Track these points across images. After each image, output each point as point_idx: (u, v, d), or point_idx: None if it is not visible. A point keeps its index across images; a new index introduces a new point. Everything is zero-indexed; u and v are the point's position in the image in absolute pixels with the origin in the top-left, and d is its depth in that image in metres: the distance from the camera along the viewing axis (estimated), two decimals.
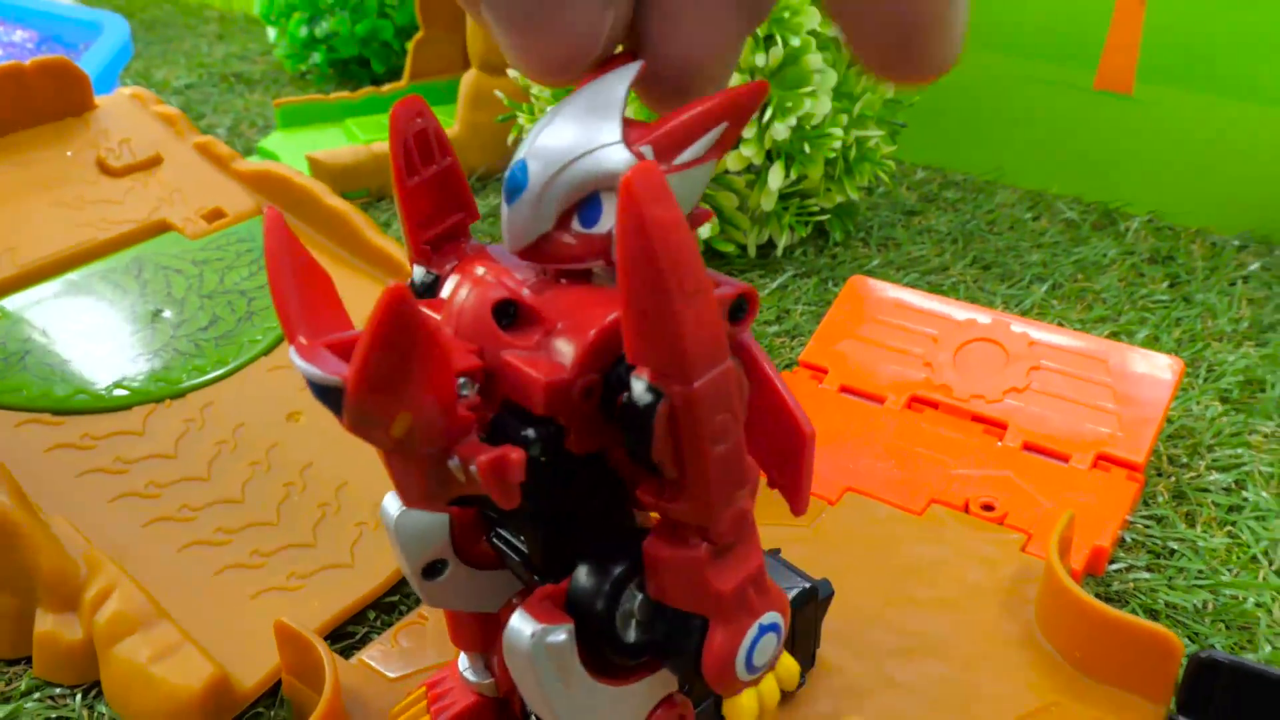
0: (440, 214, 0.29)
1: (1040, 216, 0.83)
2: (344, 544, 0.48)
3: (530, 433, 0.24)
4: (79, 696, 0.42)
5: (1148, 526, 0.50)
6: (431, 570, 0.31)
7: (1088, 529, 0.47)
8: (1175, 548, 0.48)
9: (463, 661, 0.35)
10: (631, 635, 0.26)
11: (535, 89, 0.72)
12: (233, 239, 0.65)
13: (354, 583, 0.46)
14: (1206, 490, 0.52)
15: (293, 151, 0.88)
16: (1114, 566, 0.47)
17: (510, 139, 0.79)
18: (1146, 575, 0.47)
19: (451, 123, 0.93)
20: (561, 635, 0.25)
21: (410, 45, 0.98)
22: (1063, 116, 0.86)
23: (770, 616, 0.26)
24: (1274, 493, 0.52)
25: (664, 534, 0.25)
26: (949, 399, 0.56)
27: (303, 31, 1.06)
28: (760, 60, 0.66)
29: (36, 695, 0.43)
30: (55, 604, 0.43)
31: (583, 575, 0.26)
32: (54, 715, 0.42)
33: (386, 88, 0.98)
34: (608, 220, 0.26)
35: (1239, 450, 0.55)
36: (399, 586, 0.47)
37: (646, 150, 0.27)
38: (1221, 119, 0.80)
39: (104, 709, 0.42)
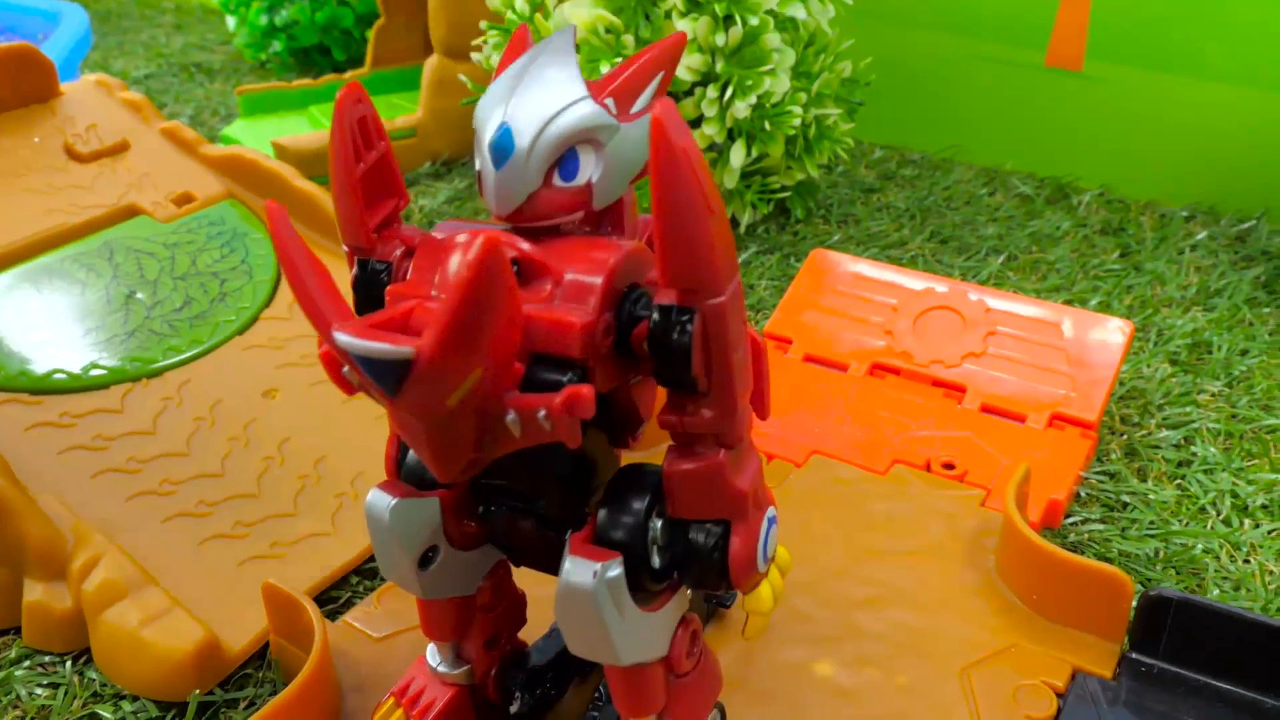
0: (380, 200, 0.31)
1: (995, 192, 0.86)
2: (325, 513, 0.49)
3: (568, 376, 0.26)
4: (69, 663, 0.43)
5: (1101, 482, 0.52)
6: (425, 560, 0.32)
7: (1044, 484, 0.49)
8: (1128, 501, 0.51)
9: (433, 658, 0.36)
10: (657, 560, 0.29)
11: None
12: (203, 222, 0.66)
13: (336, 550, 0.48)
14: (1157, 447, 0.54)
15: (256, 139, 0.89)
16: (1070, 520, 0.50)
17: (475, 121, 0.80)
18: (1100, 527, 0.49)
19: (415, 109, 0.93)
20: (617, 568, 0.28)
21: (371, 32, 0.98)
22: (1015, 95, 0.89)
23: (771, 510, 0.29)
24: (1221, 448, 0.54)
25: (682, 453, 0.28)
26: (909, 365, 0.58)
27: (263, 20, 1.06)
28: (720, 40, 0.67)
29: (26, 664, 0.43)
30: (43, 574, 0.44)
31: (609, 515, 0.29)
32: (45, 682, 0.42)
33: (349, 74, 0.98)
34: (585, 173, 0.28)
35: (1188, 409, 0.57)
36: None
37: (610, 102, 0.29)
38: (1169, 95, 0.82)
39: (94, 675, 0.43)
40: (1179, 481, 0.52)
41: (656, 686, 0.31)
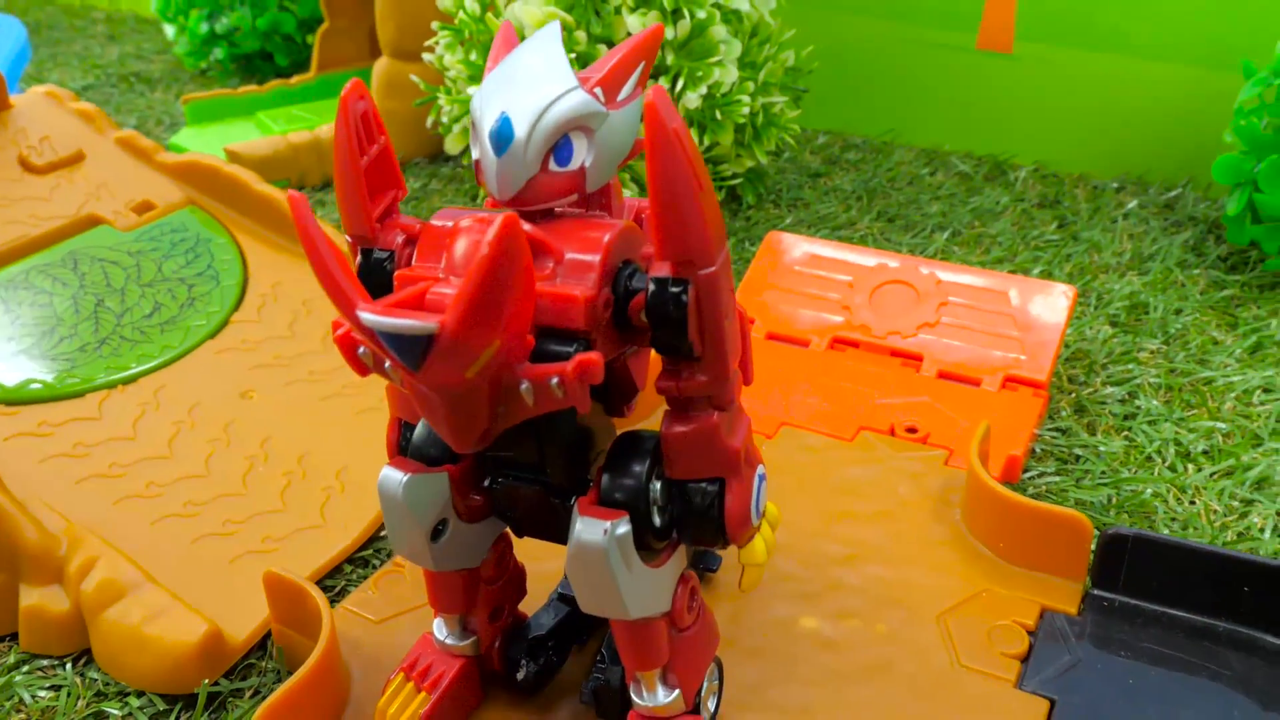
0: (380, 191, 0.32)
1: (936, 171, 0.89)
2: (313, 507, 0.50)
3: (574, 347, 0.27)
4: (69, 665, 0.44)
5: (1054, 437, 0.55)
6: (435, 533, 0.34)
7: (1001, 442, 0.52)
8: (1080, 454, 0.53)
9: (440, 632, 0.38)
10: (658, 519, 0.31)
11: (452, 71, 0.74)
12: (166, 229, 0.66)
13: (328, 541, 0.49)
14: (1103, 402, 0.57)
15: (205, 146, 0.89)
16: (1027, 474, 0.52)
17: (430, 121, 0.81)
18: (1056, 479, 0.52)
19: None
20: (625, 526, 0.30)
21: (316, 37, 0.99)
22: (950, 78, 0.92)
23: (760, 468, 0.32)
24: (1162, 400, 0.57)
25: (678, 417, 0.30)
26: (868, 337, 0.60)
27: (203, 28, 1.06)
28: (669, 33, 0.69)
29: (25, 668, 0.44)
30: (39, 578, 0.44)
31: (612, 479, 0.31)
32: (47, 684, 0.43)
33: (295, 80, 0.98)
34: (578, 158, 0.30)
35: (1129, 366, 0.60)
36: (371, 542, 0.49)
37: (599, 91, 0.30)
38: (1095, 72, 0.86)
39: (95, 674, 0.43)
40: (1126, 433, 0.55)
41: (661, 641, 0.33)
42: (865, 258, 0.64)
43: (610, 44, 0.70)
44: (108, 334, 0.58)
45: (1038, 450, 0.54)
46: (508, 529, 0.37)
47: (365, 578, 0.48)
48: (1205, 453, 0.53)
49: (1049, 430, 0.55)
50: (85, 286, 0.61)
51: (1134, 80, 0.85)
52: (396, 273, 0.30)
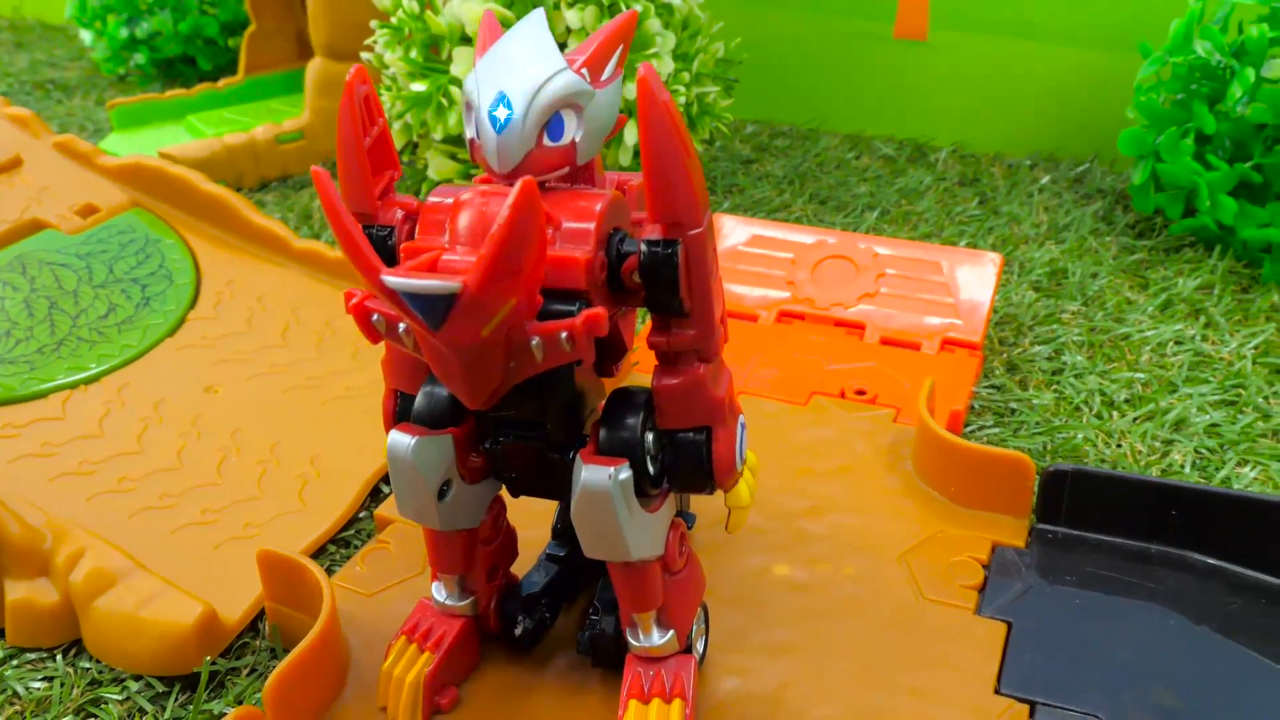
0: (379, 170, 0.34)
1: (861, 155, 0.92)
2: (291, 492, 0.51)
3: (577, 305, 0.30)
4: (59, 657, 0.44)
5: (990, 394, 0.58)
6: (441, 493, 0.35)
7: (944, 399, 0.55)
8: (1015, 407, 0.57)
9: (439, 594, 0.39)
10: (652, 467, 0.33)
11: (393, 69, 0.75)
12: (113, 231, 0.66)
13: (309, 524, 0.50)
14: (1033, 360, 0.61)
15: (135, 151, 0.88)
16: (968, 429, 0.56)
17: None
18: (996, 431, 0.55)
19: (294, 113, 0.94)
20: (627, 471, 0.32)
21: (242, 39, 0.99)
22: (870, 66, 0.96)
23: (741, 417, 0.34)
24: (1086, 356, 0.62)
25: (667, 370, 0.33)
26: (813, 310, 0.63)
27: (123, 33, 1.05)
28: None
29: (14, 662, 0.44)
30: (25, 572, 0.45)
31: (610, 432, 0.33)
32: (39, 676, 0.44)
33: (222, 83, 0.98)
34: (569, 133, 0.32)
35: (1053, 327, 0.64)
36: (352, 523, 0.51)
37: (585, 72, 0.33)
38: (1005, 57, 0.91)
39: (87, 664, 0.44)
40: (1055, 387, 0.59)
41: (656, 583, 0.35)
42: (805, 236, 0.67)
43: None
44: (64, 335, 0.58)
45: (976, 406, 0.58)
46: (501, 493, 0.39)
47: (349, 557, 0.49)
48: (1127, 400, 0.57)
49: (985, 388, 0.59)
50: (36, 290, 0.61)
51: (1041, 64, 0.90)
52: (403, 245, 0.32)
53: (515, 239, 0.26)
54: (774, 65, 0.99)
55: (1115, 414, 0.56)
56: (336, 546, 0.50)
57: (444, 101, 0.72)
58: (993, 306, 0.62)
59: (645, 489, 0.33)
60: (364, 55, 0.79)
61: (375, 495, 0.53)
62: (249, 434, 0.54)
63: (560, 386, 0.33)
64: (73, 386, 0.56)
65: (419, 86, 0.72)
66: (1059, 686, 0.38)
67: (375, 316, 0.31)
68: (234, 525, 0.49)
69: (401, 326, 0.30)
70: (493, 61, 0.32)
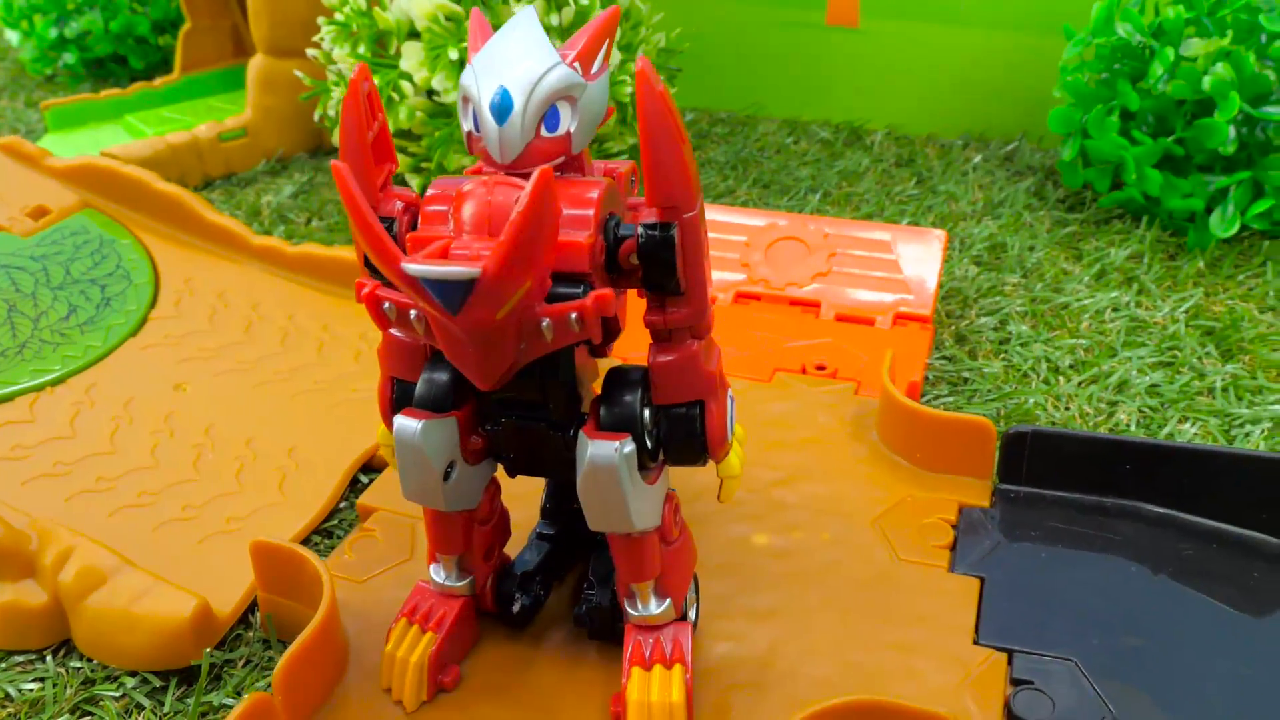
0: (380, 164, 0.35)
1: (799, 140, 0.95)
2: (270, 485, 0.52)
3: (581, 288, 0.31)
4: (49, 657, 0.44)
5: (943, 365, 0.61)
6: (445, 474, 0.36)
7: (901, 371, 0.58)
8: (967, 376, 0.60)
9: (437, 575, 0.40)
10: (649, 442, 0.35)
11: (341, 65, 0.75)
12: (66, 233, 0.65)
13: (291, 516, 0.50)
14: (980, 331, 0.64)
15: (73, 152, 0.87)
16: (925, 398, 0.58)
17: (317, 115, 0.81)
18: (951, 399, 0.58)
19: (233, 110, 0.94)
20: (631, 445, 0.34)
21: (178, 38, 0.97)
22: (804, 53, 0.98)
23: (730, 390, 0.36)
24: (1029, 325, 0.65)
25: (662, 348, 0.34)
26: (769, 290, 0.65)
27: (52, 33, 1.03)
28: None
29: (3, 665, 0.44)
30: (10, 574, 0.44)
31: (610, 409, 0.34)
32: (30, 678, 0.44)
33: (159, 81, 0.97)
34: (564, 124, 0.34)
35: (997, 299, 0.67)
36: (335, 514, 0.51)
37: (577, 65, 0.34)
38: (934, 42, 0.94)
39: (78, 663, 0.44)
40: (1003, 356, 0.62)
41: (655, 553, 0.37)
42: (756, 219, 0.69)
43: None
44: (26, 338, 0.58)
45: (930, 377, 0.60)
46: (496, 475, 0.40)
47: (333, 547, 0.50)
48: (1072, 366, 0.60)
49: (937, 359, 0.62)
50: None
51: (967, 48, 0.93)
52: (409, 235, 0.33)
53: (533, 225, 0.28)
54: (710, 54, 1.01)
55: (1061, 379, 0.59)
56: (320, 537, 0.50)
57: (395, 96, 0.73)
58: (940, 281, 0.65)
59: (644, 462, 0.35)
60: (310, 52, 0.79)
61: (354, 485, 0.53)
62: (222, 430, 0.55)
63: (561, 367, 0.34)
64: (39, 389, 0.55)
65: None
66: (1033, 635, 0.41)
67: (386, 304, 0.32)
68: (216, 520, 0.50)
69: (413, 313, 0.31)
70: (490, 57, 0.33)
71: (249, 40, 1.01)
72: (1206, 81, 0.68)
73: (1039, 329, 0.64)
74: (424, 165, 0.77)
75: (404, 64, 0.73)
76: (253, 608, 0.46)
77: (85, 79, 1.09)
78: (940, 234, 0.66)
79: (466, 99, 0.33)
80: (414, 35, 0.74)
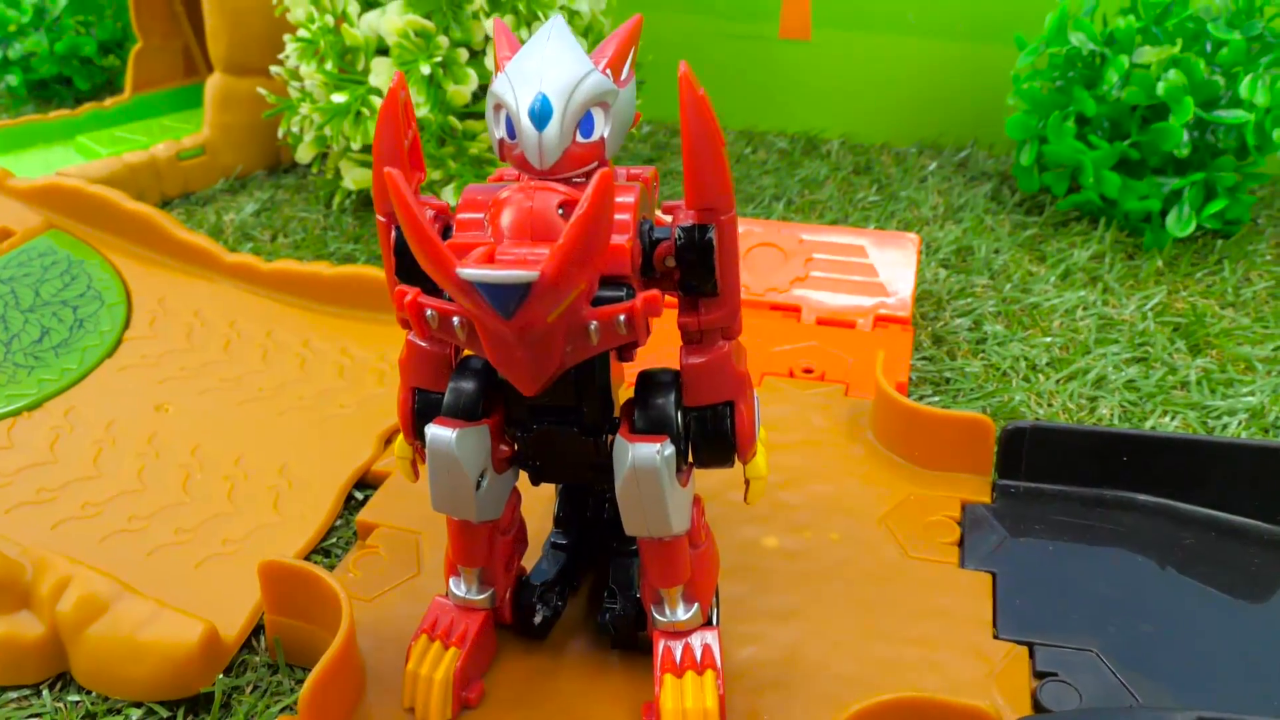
0: (411, 174, 0.35)
1: (757, 149, 0.96)
2: (265, 504, 0.50)
3: (625, 290, 0.31)
4: (45, 692, 0.43)
5: (924, 365, 0.62)
6: (477, 484, 0.36)
7: (886, 372, 0.58)
8: (949, 376, 0.61)
9: (458, 589, 0.40)
10: (682, 444, 0.35)
11: (309, 82, 0.74)
12: (32, 255, 0.64)
13: (290, 534, 0.49)
14: (956, 332, 0.65)
15: (25, 174, 0.84)
16: (911, 399, 0.59)
17: (281, 132, 0.80)
18: (937, 399, 0.59)
19: (188, 129, 0.92)
20: (671, 447, 0.34)
21: (129, 58, 0.95)
22: (759, 65, 0.99)
23: (754, 390, 0.36)
24: (1004, 325, 0.66)
25: (693, 350, 0.34)
26: (749, 295, 0.66)
27: None
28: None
29: None
30: (6, 606, 0.43)
31: (645, 412, 0.34)
32: (26, 714, 0.42)
33: (109, 102, 0.94)
34: (598, 129, 0.34)
35: (969, 300, 0.69)
36: (332, 532, 0.50)
37: (609, 72, 0.34)
38: (885, 52, 0.95)
39: (77, 696, 0.43)
40: (981, 355, 0.63)
41: (685, 557, 0.37)
42: None
43: (469, 47, 0.72)
44: None
45: (914, 378, 0.61)
46: (517, 484, 0.40)
47: (332, 566, 0.49)
48: (1049, 364, 0.62)
49: (918, 359, 0.63)
50: None
51: (918, 58, 0.95)
52: (447, 242, 0.33)
53: (593, 227, 0.28)
54: (666, 67, 1.01)
55: (1041, 376, 0.61)
56: (319, 556, 0.49)
57: (365, 111, 0.72)
58: (917, 283, 0.66)
59: (678, 464, 0.35)
60: (274, 69, 0.78)
61: (348, 502, 0.52)
62: (209, 450, 0.53)
63: (596, 372, 0.34)
64: (15, 414, 0.53)
65: (339, 98, 0.71)
66: (1050, 626, 0.41)
67: (429, 312, 0.31)
68: (211, 542, 0.48)
69: (456, 320, 0.31)
70: (525, 64, 0.33)
71: (200, 59, 0.99)
72: (1160, 87, 0.70)
73: (1013, 328, 0.66)
74: None
75: (373, 80, 0.72)
76: (256, 631, 0.45)
77: (27, 101, 1.06)
78: (913, 237, 0.67)
79: (499, 106, 0.33)
80: (382, 51, 0.73)
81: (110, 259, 0.64)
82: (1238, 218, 0.75)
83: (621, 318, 0.31)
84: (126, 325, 0.61)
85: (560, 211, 0.32)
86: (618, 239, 0.32)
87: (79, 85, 1.04)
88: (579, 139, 0.33)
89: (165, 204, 0.84)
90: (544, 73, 0.32)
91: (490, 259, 0.30)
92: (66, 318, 0.60)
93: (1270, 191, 0.84)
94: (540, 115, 0.32)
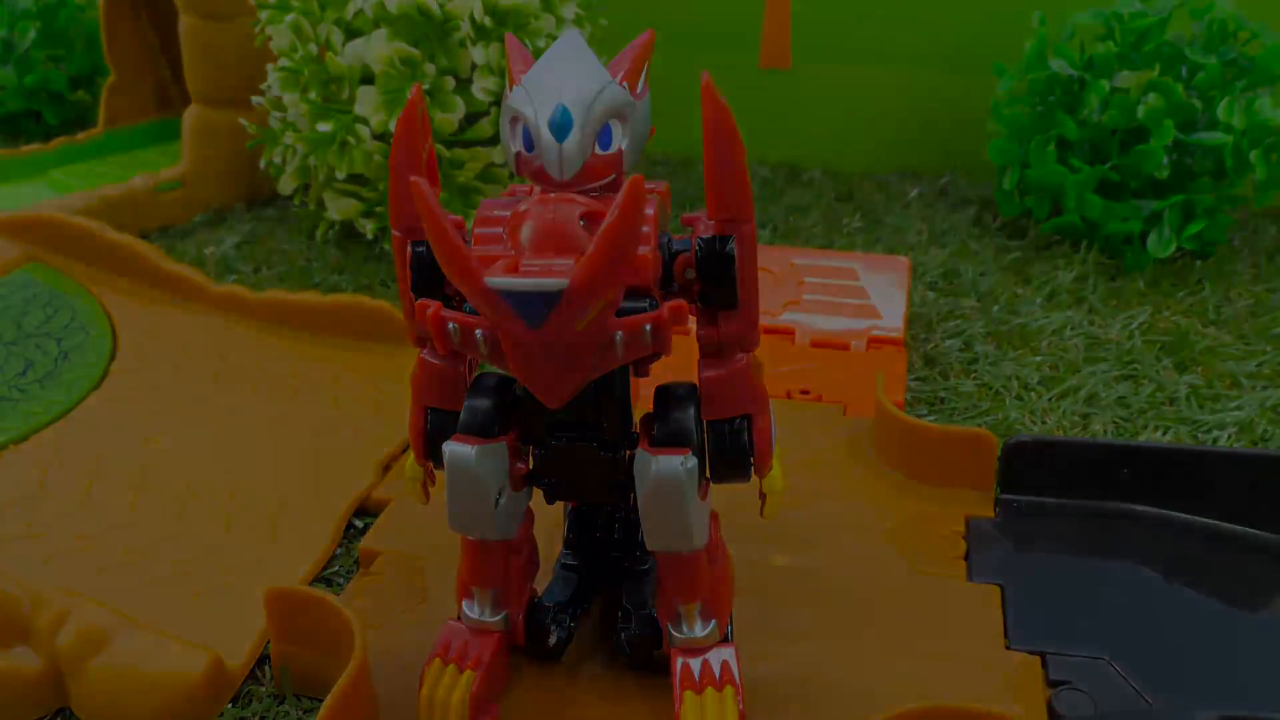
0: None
1: None
2: (263, 534, 0.50)
3: (648, 302, 0.31)
4: None
5: (917, 385, 0.63)
6: (495, 501, 0.36)
7: (884, 392, 0.59)
8: (943, 396, 0.61)
9: (472, 611, 0.39)
10: (702, 457, 0.35)
11: (292, 111, 0.74)
12: (13, 287, 0.63)
13: (290, 563, 0.48)
14: (947, 353, 0.66)
15: None
16: None
17: (263, 162, 0.80)
18: (932, 418, 0.59)
19: (164, 163, 0.91)
20: (694, 460, 0.34)
21: (103, 91, 0.95)
22: (739, 94, 1.00)
23: (770, 405, 0.36)
24: (994, 346, 0.67)
25: (712, 363, 0.34)
26: None
27: None
28: None
29: None
30: (3, 641, 0.42)
31: (665, 426, 0.34)
32: None
33: (82, 136, 0.93)
34: (616, 141, 0.34)
35: (958, 322, 0.69)
36: (333, 560, 0.50)
37: (625, 85, 0.34)
38: (863, 82, 0.97)
39: None
40: (974, 375, 0.64)
41: (704, 572, 0.37)
42: None
43: (455, 75, 0.72)
44: None
45: (909, 398, 0.61)
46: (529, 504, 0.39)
47: (336, 594, 0.48)
48: (1041, 383, 0.62)
49: (911, 380, 0.63)
50: None
51: (896, 87, 0.96)
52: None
53: (625, 234, 0.28)
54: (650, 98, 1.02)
55: (1033, 395, 0.61)
56: (320, 585, 0.48)
57: (351, 140, 0.72)
58: (908, 304, 0.66)
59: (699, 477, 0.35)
60: (255, 99, 0.78)
61: (348, 531, 0.51)
62: (203, 481, 0.52)
63: (616, 385, 0.34)
64: (2, 448, 0.52)
65: (324, 127, 0.71)
66: (1061, 636, 0.41)
67: (451, 325, 0.31)
68: (210, 573, 0.47)
69: (479, 333, 0.31)
70: (541, 79, 0.33)
71: (175, 93, 0.99)
72: (1141, 110, 0.72)
73: (1004, 349, 0.66)
74: (378, 209, 0.76)
75: (359, 108, 0.72)
76: (260, 661, 0.44)
77: None
78: (903, 260, 0.68)
79: (516, 119, 0.33)
80: (367, 80, 0.73)
81: (93, 290, 0.64)
82: (1215, 239, 0.77)
83: (648, 328, 0.30)
84: (113, 357, 0.60)
85: (582, 223, 0.32)
86: (641, 249, 0.32)
87: (49, 120, 1.03)
88: (598, 150, 0.33)
89: (142, 237, 0.83)
90: (563, 84, 0.32)
91: (515, 270, 0.30)
92: (51, 350, 0.59)
93: (1244, 213, 0.85)
94: (560, 126, 0.32)
